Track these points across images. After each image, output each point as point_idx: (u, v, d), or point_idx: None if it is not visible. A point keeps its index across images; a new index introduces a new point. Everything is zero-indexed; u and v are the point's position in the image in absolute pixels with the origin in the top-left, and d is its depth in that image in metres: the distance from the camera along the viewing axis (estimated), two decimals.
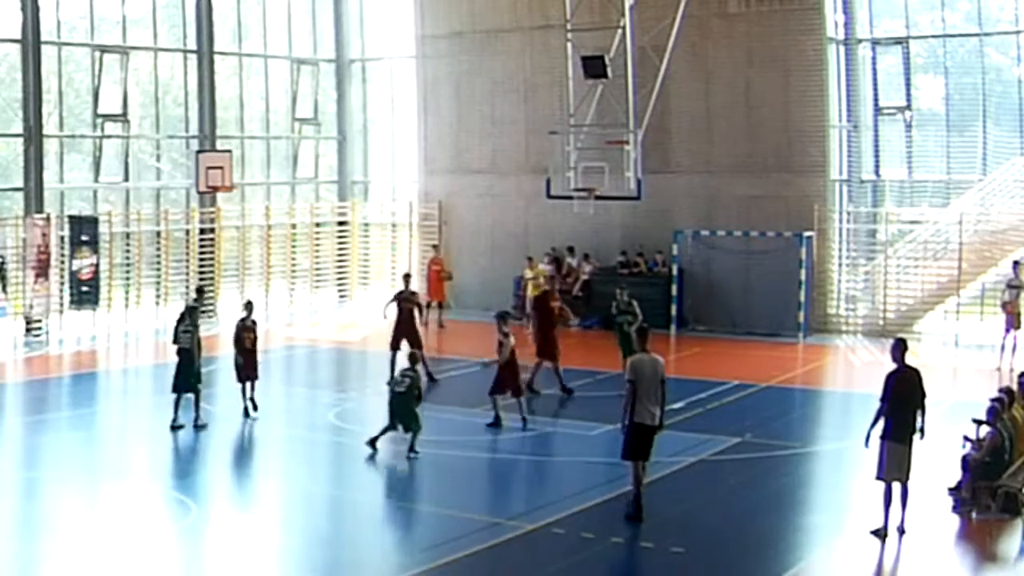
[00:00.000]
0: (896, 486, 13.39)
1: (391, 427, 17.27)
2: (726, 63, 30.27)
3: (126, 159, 31.00)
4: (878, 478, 13.47)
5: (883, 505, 13.37)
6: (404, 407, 17.18)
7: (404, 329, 22.51)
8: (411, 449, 17.06)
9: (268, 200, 34.23)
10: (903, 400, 13.36)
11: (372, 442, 17.34)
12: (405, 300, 23.02)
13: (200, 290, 24.22)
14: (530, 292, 30.27)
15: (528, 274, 30.37)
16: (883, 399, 13.41)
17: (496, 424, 18.77)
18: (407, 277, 24.01)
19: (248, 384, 19.59)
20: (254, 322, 19.87)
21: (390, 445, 17.48)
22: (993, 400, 15.05)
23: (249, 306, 20.06)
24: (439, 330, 30.06)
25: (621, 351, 21.22)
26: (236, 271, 32.56)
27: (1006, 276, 25.62)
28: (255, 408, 19.55)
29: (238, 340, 19.64)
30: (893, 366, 13.55)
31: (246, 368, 19.59)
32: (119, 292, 29.82)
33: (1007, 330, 24.47)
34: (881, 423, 13.41)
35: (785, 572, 12.58)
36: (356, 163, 36.75)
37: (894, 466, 13.33)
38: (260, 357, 20.13)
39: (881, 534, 13.37)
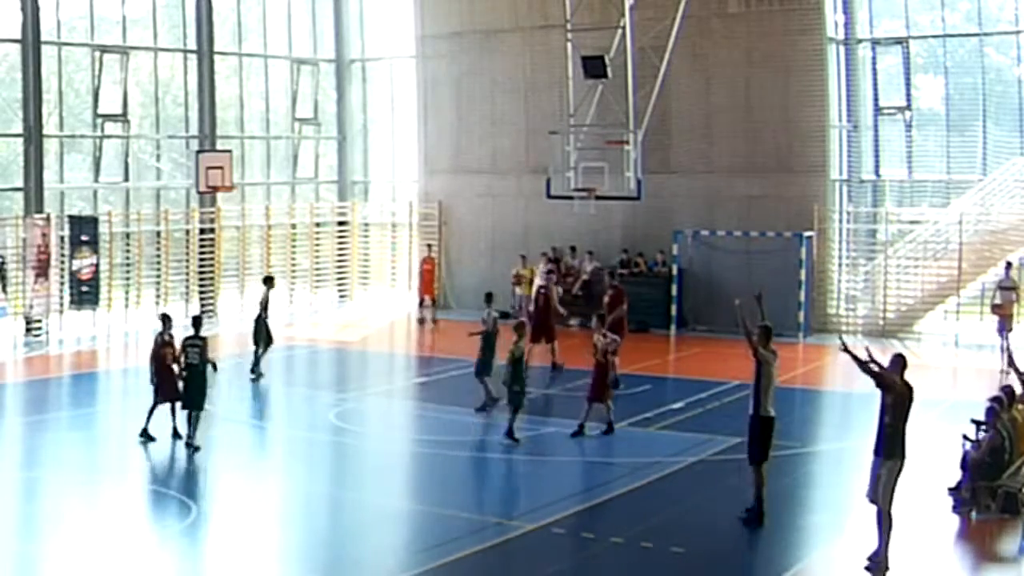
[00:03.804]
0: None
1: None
2: (726, 63, 30.26)
3: (126, 159, 30.98)
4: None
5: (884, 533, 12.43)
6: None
7: None
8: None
9: (268, 200, 34.21)
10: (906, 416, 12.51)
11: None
12: None
13: (196, 320, 18.60)
14: (524, 290, 30.30)
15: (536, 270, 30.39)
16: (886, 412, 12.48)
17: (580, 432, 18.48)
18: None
19: (171, 405, 17.70)
20: (172, 336, 17.81)
21: (394, 444, 17.43)
22: (992, 400, 15.03)
23: (166, 319, 18.06)
24: (433, 327, 30.18)
25: (483, 355, 20.42)
26: (236, 271, 32.54)
27: (997, 278, 25.59)
28: (178, 435, 17.64)
29: (156, 356, 17.71)
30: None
31: (165, 388, 17.67)
32: (119, 292, 29.80)
33: (1000, 332, 24.38)
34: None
35: (785, 572, 12.59)
36: (356, 163, 36.73)
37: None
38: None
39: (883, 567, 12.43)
